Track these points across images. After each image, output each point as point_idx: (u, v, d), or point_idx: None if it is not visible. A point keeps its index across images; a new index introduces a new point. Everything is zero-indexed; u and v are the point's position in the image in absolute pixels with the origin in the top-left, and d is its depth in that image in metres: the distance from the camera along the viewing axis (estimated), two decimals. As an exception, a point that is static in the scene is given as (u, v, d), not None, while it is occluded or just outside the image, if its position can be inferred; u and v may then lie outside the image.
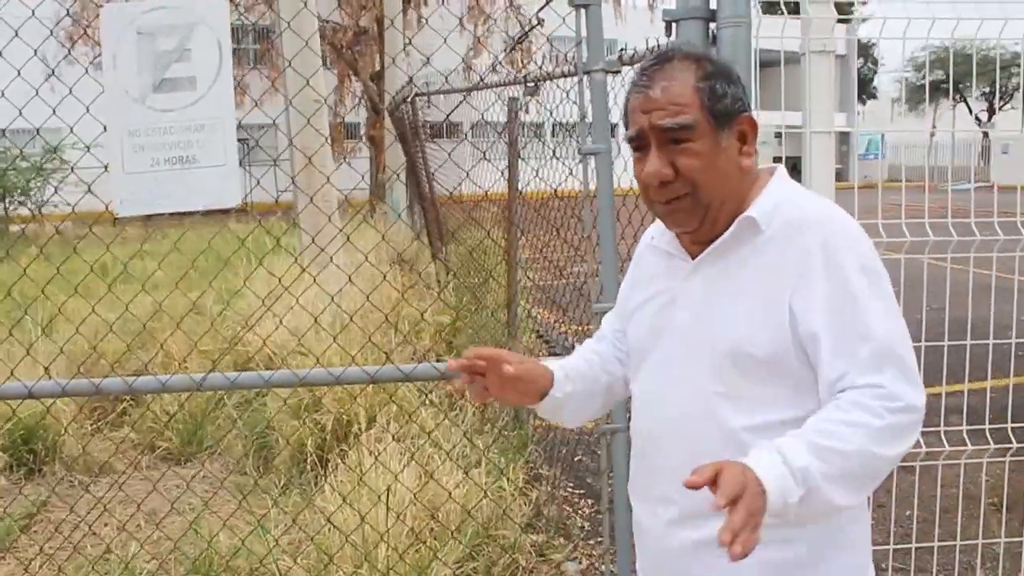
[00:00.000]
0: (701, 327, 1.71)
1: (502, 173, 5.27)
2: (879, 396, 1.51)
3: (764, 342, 1.62)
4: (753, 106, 2.29)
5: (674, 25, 2.34)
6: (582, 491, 4.70)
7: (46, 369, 3.35)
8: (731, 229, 1.68)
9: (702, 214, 1.68)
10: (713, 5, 2.30)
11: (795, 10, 2.76)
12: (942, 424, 3.05)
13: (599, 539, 3.77)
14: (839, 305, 1.58)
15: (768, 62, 2.52)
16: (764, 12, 2.88)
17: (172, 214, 2.70)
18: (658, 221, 1.87)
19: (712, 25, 2.30)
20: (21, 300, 6.36)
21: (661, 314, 1.79)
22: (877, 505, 3.74)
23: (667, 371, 1.77)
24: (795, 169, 2.83)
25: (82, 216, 3.48)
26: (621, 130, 3.22)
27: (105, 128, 2.51)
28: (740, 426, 1.64)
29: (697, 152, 1.64)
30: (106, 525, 4.26)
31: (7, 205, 21.84)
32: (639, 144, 1.68)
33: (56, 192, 19.41)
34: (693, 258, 1.75)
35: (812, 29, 2.72)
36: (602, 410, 2.08)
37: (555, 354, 6.52)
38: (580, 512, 4.45)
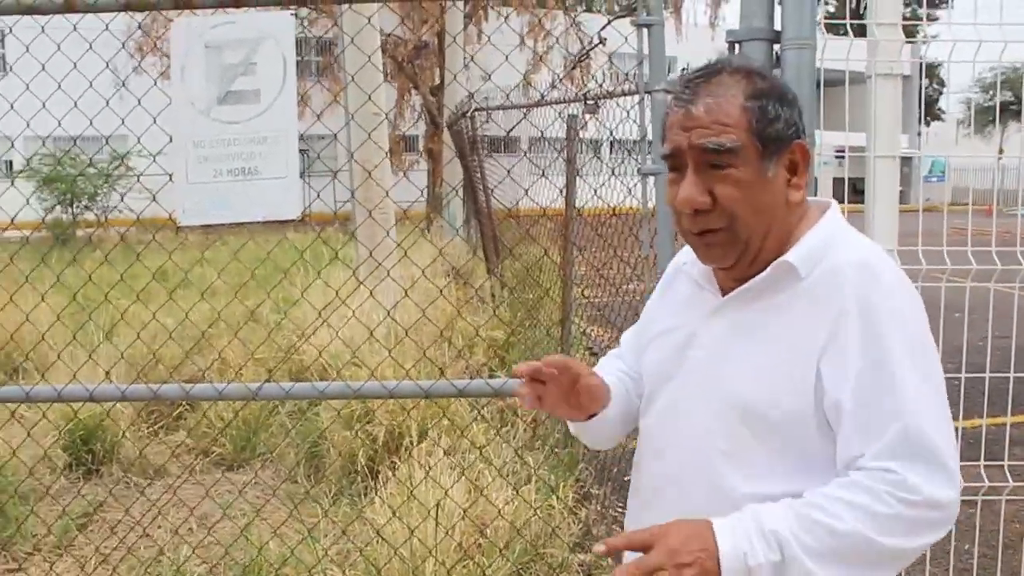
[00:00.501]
0: (715, 374, 1.54)
1: (561, 191, 5.26)
2: (889, 483, 1.34)
3: (782, 404, 1.45)
4: (817, 127, 2.27)
5: (737, 46, 2.32)
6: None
7: (107, 373, 3.42)
8: (766, 272, 1.50)
9: (739, 251, 1.50)
10: (777, 26, 2.27)
11: (861, 31, 2.71)
12: (1006, 458, 2.96)
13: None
14: (872, 380, 1.40)
15: (830, 81, 2.48)
16: (828, 32, 2.84)
17: (233, 223, 2.74)
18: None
19: (776, 47, 2.27)
20: (85, 304, 6.51)
21: (677, 350, 1.62)
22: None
23: (673, 416, 1.61)
24: (856, 190, 2.78)
25: (146, 223, 3.54)
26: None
27: (171, 139, 2.56)
28: (742, 493, 1.46)
29: (739, 180, 1.46)
30: (159, 527, 4.32)
31: (75, 210, 22.40)
32: (675, 164, 1.51)
33: (122, 199, 19.89)
34: (723, 294, 1.59)
35: (879, 52, 2.67)
36: (623, 435, 1.87)
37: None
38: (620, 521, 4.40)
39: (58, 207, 21.98)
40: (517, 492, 3.96)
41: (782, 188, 1.51)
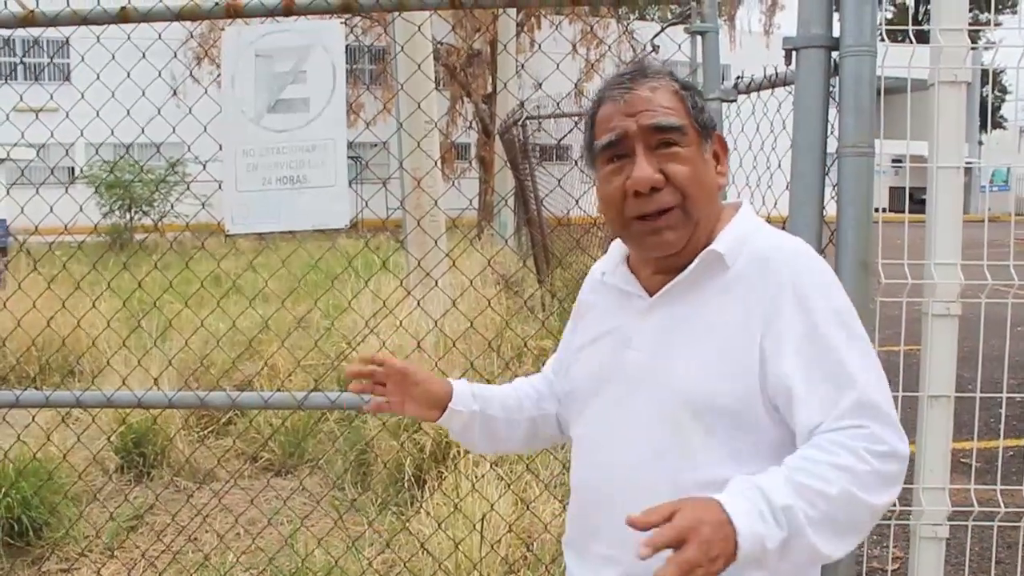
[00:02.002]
0: (656, 371, 1.55)
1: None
2: (863, 437, 1.37)
3: (729, 391, 1.47)
4: (877, 136, 2.19)
5: (794, 54, 2.25)
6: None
7: (155, 380, 3.44)
8: (694, 264, 1.54)
9: (690, 231, 1.54)
10: (836, 33, 2.20)
11: (921, 37, 2.63)
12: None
13: None
14: (814, 352, 1.43)
15: (888, 89, 2.40)
16: (887, 39, 2.76)
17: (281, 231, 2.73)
18: (609, 254, 1.73)
19: (834, 54, 2.20)
20: (140, 308, 6.60)
21: (611, 355, 1.63)
22: (996, 561, 3.51)
23: (614, 418, 1.61)
24: (913, 200, 2.69)
25: (199, 228, 3.56)
26: (733, 160, 3.11)
27: (221, 147, 2.56)
28: (693, 482, 1.47)
29: (687, 158, 1.52)
30: (206, 532, 4.34)
31: (132, 215, 22.86)
32: (618, 152, 1.54)
33: (172, 207, 20.21)
34: (651, 295, 1.61)
35: (942, 58, 2.58)
36: (525, 445, 1.92)
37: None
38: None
39: (116, 212, 22.44)
40: (564, 506, 3.90)
41: (714, 173, 1.59)
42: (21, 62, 27.33)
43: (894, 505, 2.37)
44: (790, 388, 1.43)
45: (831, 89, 2.19)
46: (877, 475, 1.36)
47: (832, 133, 2.18)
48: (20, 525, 4.29)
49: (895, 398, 2.21)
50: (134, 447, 5.31)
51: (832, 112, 2.18)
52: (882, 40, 2.24)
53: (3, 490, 4.30)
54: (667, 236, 1.52)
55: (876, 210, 2.21)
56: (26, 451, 4.18)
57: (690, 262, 1.54)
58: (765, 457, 1.45)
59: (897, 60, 2.48)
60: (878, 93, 2.22)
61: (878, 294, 2.29)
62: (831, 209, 2.19)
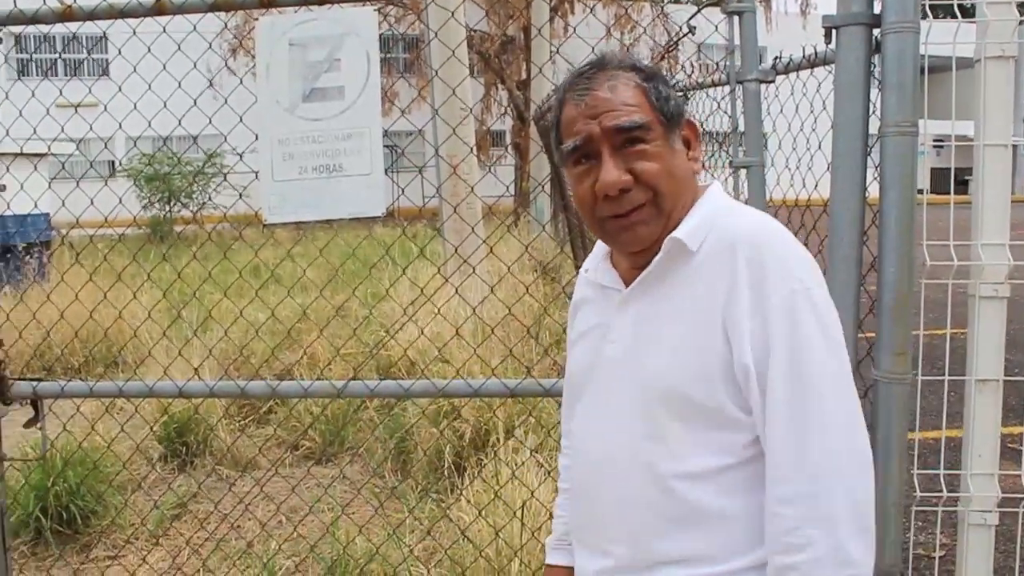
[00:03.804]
0: (630, 364, 1.55)
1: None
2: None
3: (696, 382, 1.45)
4: (921, 115, 2.14)
5: (834, 32, 2.20)
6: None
7: (196, 370, 3.47)
8: (659, 254, 1.52)
9: (663, 224, 1.52)
10: (877, 9, 2.15)
11: (967, 13, 2.56)
12: None
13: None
14: (769, 346, 1.39)
15: (931, 67, 2.34)
16: (932, 15, 2.69)
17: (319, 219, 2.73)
18: (595, 251, 1.72)
19: (876, 31, 2.15)
20: (180, 299, 6.68)
21: (595, 350, 1.64)
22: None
23: (596, 412, 1.62)
24: (961, 183, 2.63)
25: (237, 219, 3.57)
26: (772, 143, 3.06)
27: (257, 137, 2.57)
28: (671, 472, 1.47)
29: (654, 154, 1.50)
30: (249, 520, 4.39)
31: (171, 207, 23.13)
32: (584, 154, 1.52)
33: (210, 198, 20.39)
34: (627, 287, 1.60)
35: (989, 33, 2.51)
36: None
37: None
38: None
39: (155, 204, 22.73)
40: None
41: (687, 161, 1.56)
42: (60, 57, 27.71)
43: (941, 491, 2.33)
44: (747, 378, 1.41)
45: (872, 68, 2.14)
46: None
47: (874, 113, 2.13)
48: (68, 513, 4.37)
49: (941, 383, 2.18)
50: (177, 436, 5.39)
51: (874, 91, 2.13)
52: (925, 16, 2.18)
53: (51, 479, 4.38)
54: (640, 231, 1.52)
55: (919, 191, 2.16)
56: (72, 441, 4.25)
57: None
58: (743, 445, 1.45)
59: (940, 37, 2.42)
60: (921, 71, 2.16)
61: (923, 276, 2.24)
62: (873, 191, 2.14)
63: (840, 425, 1.39)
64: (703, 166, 1.58)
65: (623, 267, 1.63)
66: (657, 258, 1.52)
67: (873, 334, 2.10)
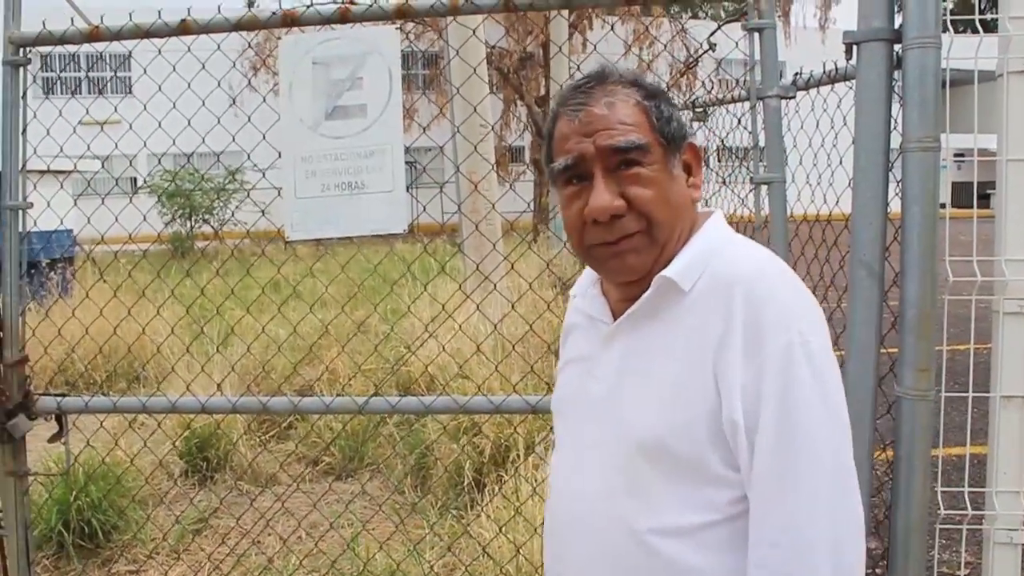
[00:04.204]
0: (612, 408, 1.43)
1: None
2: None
3: (685, 435, 1.32)
4: (943, 130, 2.13)
5: (855, 48, 2.20)
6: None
7: (218, 386, 3.49)
8: (649, 291, 1.40)
9: (655, 255, 1.40)
10: (898, 24, 2.15)
11: (989, 26, 2.55)
12: None
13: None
14: (760, 403, 1.28)
15: (953, 81, 2.33)
16: (954, 31, 2.68)
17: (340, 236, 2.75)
18: (583, 275, 1.62)
19: (897, 47, 2.15)
20: (202, 315, 6.72)
21: (577, 383, 1.54)
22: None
23: (575, 452, 1.51)
24: (983, 196, 2.61)
25: (259, 235, 3.60)
26: (793, 158, 3.05)
27: (280, 154, 2.59)
28: (647, 528, 1.35)
29: (650, 179, 1.38)
30: (269, 535, 4.40)
31: (193, 223, 23.32)
32: (576, 174, 1.40)
33: (232, 214, 20.50)
34: (616, 319, 1.48)
35: (1012, 47, 2.50)
36: None
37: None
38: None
39: (177, 221, 22.92)
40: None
41: (686, 188, 1.46)
42: (86, 76, 28.04)
43: (965, 509, 2.31)
44: (736, 432, 1.30)
45: (893, 83, 2.14)
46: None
47: (895, 128, 2.13)
48: (90, 528, 4.40)
49: (964, 399, 2.16)
50: (198, 451, 5.41)
51: (895, 106, 2.13)
52: (946, 31, 2.18)
53: (74, 494, 4.41)
54: (630, 260, 1.41)
55: (941, 206, 2.15)
56: (95, 456, 4.28)
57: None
58: (727, 501, 1.33)
59: (962, 51, 2.42)
60: (943, 85, 2.16)
61: (945, 292, 2.23)
62: (895, 206, 2.14)
63: (830, 490, 1.28)
64: (703, 194, 1.49)
65: (613, 297, 1.52)
66: (645, 296, 1.41)
67: (895, 350, 2.09)
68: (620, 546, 1.38)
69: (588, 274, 1.60)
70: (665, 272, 1.39)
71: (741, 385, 1.29)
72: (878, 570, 3.33)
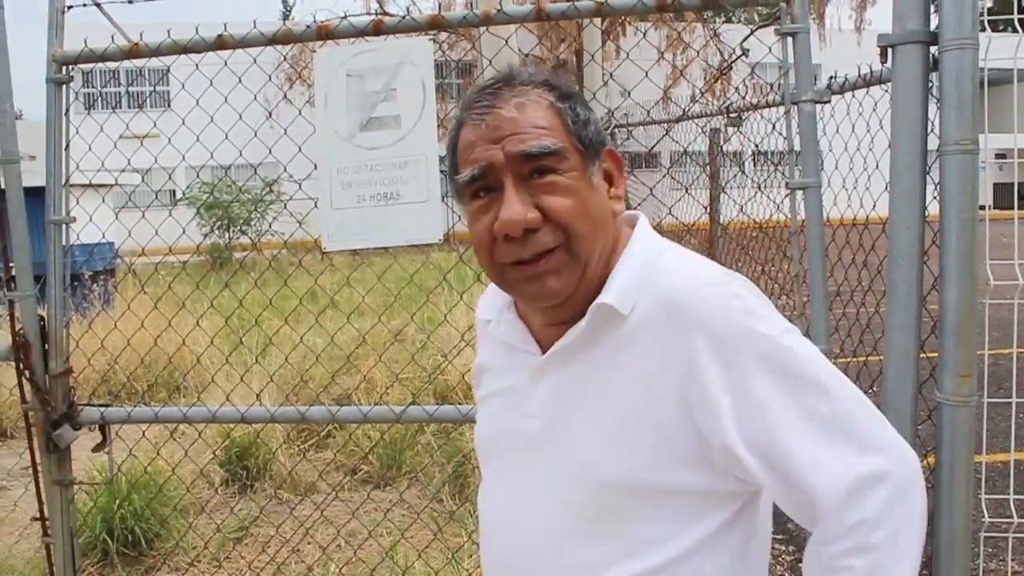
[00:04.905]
0: (555, 445, 1.30)
1: (705, 208, 5.13)
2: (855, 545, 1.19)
3: (641, 465, 1.23)
4: (981, 130, 2.11)
5: (890, 51, 2.18)
6: (783, 536, 4.46)
7: (257, 396, 3.52)
8: (584, 320, 1.27)
9: (578, 275, 1.26)
10: (934, 26, 2.13)
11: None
12: None
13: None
14: (765, 412, 1.19)
15: (991, 81, 2.30)
16: (992, 30, 2.65)
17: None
18: (492, 294, 1.47)
19: (933, 49, 2.13)
20: (241, 326, 6.80)
21: (502, 419, 1.39)
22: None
23: (509, 496, 1.36)
24: (1021, 196, 2.57)
25: (296, 246, 3.63)
26: (829, 162, 3.03)
27: (316, 166, 2.62)
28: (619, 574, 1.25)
29: (568, 187, 1.24)
30: (309, 544, 4.43)
31: (231, 234, 23.57)
32: (484, 186, 1.26)
33: (269, 225, 20.69)
34: (544, 349, 1.34)
35: (1052, 48, 2.47)
36: None
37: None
38: (781, 560, 4.23)
39: (215, 232, 23.19)
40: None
41: (607, 199, 1.32)
42: (126, 91, 28.48)
43: (1011, 516, 2.27)
44: (736, 455, 1.21)
45: (930, 85, 2.12)
46: (906, 536, 1.21)
47: (932, 131, 2.11)
48: (134, 536, 4.46)
49: (1008, 405, 2.13)
50: (238, 460, 5.46)
51: (932, 107, 2.11)
52: (984, 30, 2.15)
53: (118, 502, 4.47)
54: (550, 283, 1.25)
55: (980, 208, 2.12)
56: (138, 465, 4.34)
57: (582, 309, 1.28)
58: (692, 523, 1.26)
59: (1002, 51, 2.39)
60: (981, 86, 2.13)
61: (986, 295, 2.20)
62: (933, 209, 2.12)
63: (879, 432, 1.23)
64: (628, 203, 1.34)
65: (536, 323, 1.37)
66: (581, 326, 1.28)
67: (936, 355, 2.07)
68: None
69: (496, 292, 1.45)
70: (602, 299, 1.26)
71: (730, 404, 1.20)
72: (921, 578, 3.30)
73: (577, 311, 1.29)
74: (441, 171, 2.71)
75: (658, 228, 8.32)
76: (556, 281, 1.25)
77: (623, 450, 1.24)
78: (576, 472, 1.27)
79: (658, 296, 1.25)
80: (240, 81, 2.78)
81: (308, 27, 2.56)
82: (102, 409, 2.82)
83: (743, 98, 3.39)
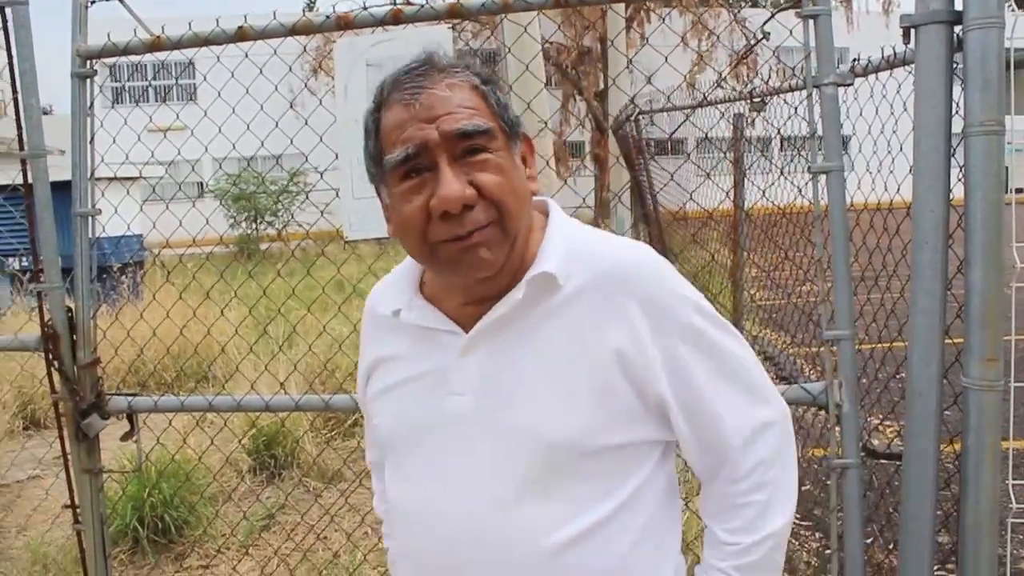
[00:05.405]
0: (493, 417, 1.32)
1: (727, 194, 5.10)
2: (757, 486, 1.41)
3: (596, 421, 1.29)
4: (1007, 112, 2.08)
5: (913, 31, 2.15)
6: (809, 523, 4.45)
7: (282, 384, 3.55)
8: (523, 290, 1.31)
9: (507, 249, 1.30)
10: (959, 6, 2.10)
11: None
12: None
13: (828, 579, 3.54)
14: (689, 364, 1.34)
15: (1017, 62, 2.27)
16: (1018, 6, 2.61)
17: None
18: (393, 285, 1.48)
19: (957, 29, 2.10)
20: (267, 315, 6.85)
21: (424, 403, 1.38)
22: None
23: (442, 478, 1.36)
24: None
25: (320, 236, 3.65)
26: (854, 145, 2.99)
27: (336, 155, 2.63)
28: (564, 538, 1.29)
29: (498, 165, 1.28)
30: (335, 531, 4.46)
31: (258, 226, 23.74)
32: (415, 166, 1.26)
33: (292, 216, 20.83)
34: (464, 329, 1.36)
35: (1081, 27, 2.43)
36: None
37: (784, 378, 6.25)
38: (807, 546, 4.21)
39: (242, 224, 23.37)
40: (688, 505, 3.85)
41: (526, 179, 1.36)
42: (150, 85, 28.69)
43: (1037, 502, 2.25)
44: (672, 406, 1.35)
45: (955, 65, 2.09)
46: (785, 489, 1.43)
47: (957, 112, 2.08)
48: (163, 523, 4.51)
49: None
50: (265, 449, 5.51)
51: (956, 89, 2.08)
52: (1012, 9, 2.12)
53: (147, 490, 4.53)
54: (482, 255, 1.27)
55: (1006, 191, 2.10)
56: (166, 454, 4.39)
57: (507, 285, 1.34)
58: (634, 468, 1.36)
59: (1025, 31, 2.35)
60: (1007, 66, 2.10)
61: (1012, 279, 2.17)
62: (958, 192, 2.09)
63: (769, 388, 1.44)
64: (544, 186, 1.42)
65: (450, 303, 1.40)
66: (516, 297, 1.32)
67: (961, 340, 2.05)
68: (532, 571, 1.30)
69: (399, 284, 1.48)
70: (541, 268, 1.32)
71: (660, 358, 1.32)
72: (948, 566, 3.27)
73: (502, 287, 1.34)
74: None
75: (683, 215, 8.29)
76: (488, 254, 1.28)
77: (567, 410, 1.30)
78: (520, 438, 1.31)
79: (593, 266, 1.34)
80: (261, 72, 2.79)
81: (327, 17, 2.56)
82: (130, 398, 2.85)
83: (766, 82, 3.36)
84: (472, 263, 1.28)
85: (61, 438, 2.88)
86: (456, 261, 1.29)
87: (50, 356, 2.76)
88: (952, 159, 2.09)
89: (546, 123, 5.61)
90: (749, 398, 1.40)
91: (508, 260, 1.32)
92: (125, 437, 2.90)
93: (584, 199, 3.20)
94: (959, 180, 2.07)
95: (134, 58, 2.84)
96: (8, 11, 2.68)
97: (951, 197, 2.09)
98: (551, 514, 1.30)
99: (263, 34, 2.59)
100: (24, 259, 10.77)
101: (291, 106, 3.10)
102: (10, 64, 2.67)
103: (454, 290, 1.39)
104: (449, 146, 1.26)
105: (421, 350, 1.41)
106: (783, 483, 1.42)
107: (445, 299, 1.41)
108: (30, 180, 2.73)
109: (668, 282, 1.36)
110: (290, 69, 3.01)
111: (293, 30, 2.58)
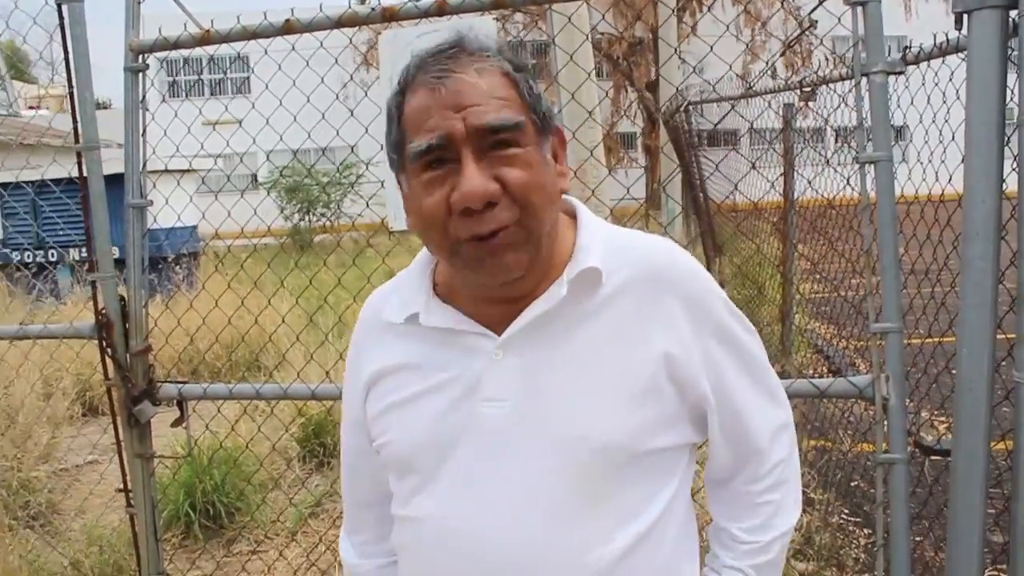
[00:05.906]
0: (539, 424, 1.23)
1: (772, 185, 5.03)
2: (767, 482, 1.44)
3: (644, 423, 1.24)
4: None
5: (966, 17, 2.10)
6: (858, 519, 4.39)
7: (327, 373, 3.59)
8: (565, 286, 1.24)
9: (533, 252, 1.21)
10: (1014, -10, 2.04)
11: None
12: None
13: (876, 574, 3.49)
14: (720, 360, 1.35)
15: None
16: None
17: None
18: (404, 288, 1.38)
19: (1012, 13, 2.05)
20: (317, 305, 6.93)
21: (451, 413, 1.27)
22: None
23: (480, 492, 1.25)
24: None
25: (369, 227, 3.68)
26: (908, 135, 2.92)
27: (382, 147, 2.64)
28: (623, 548, 1.24)
29: (527, 162, 1.19)
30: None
31: (311, 217, 24.00)
32: (439, 157, 1.18)
33: (339, 207, 20.96)
34: (492, 330, 1.27)
35: None
36: None
37: (833, 371, 6.17)
38: (855, 542, 4.16)
39: (296, 215, 23.64)
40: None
41: (556, 176, 1.27)
42: (199, 78, 29.10)
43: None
44: (711, 402, 1.34)
45: (1009, 52, 2.04)
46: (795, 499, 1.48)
47: (1012, 101, 2.03)
48: (214, 509, 4.60)
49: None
50: (314, 437, 5.58)
51: (1011, 77, 2.03)
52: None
53: (198, 476, 4.62)
54: (507, 258, 1.19)
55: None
56: (216, 441, 4.47)
57: (535, 285, 1.26)
58: (677, 467, 1.34)
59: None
60: (1065, 53, 2.05)
61: (1068, 273, 2.12)
62: (1011, 183, 2.05)
63: (782, 389, 1.47)
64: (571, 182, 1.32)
65: (472, 305, 1.30)
66: (561, 293, 1.24)
67: (1013, 335, 2.00)
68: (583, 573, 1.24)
69: (411, 286, 1.37)
70: (587, 263, 1.26)
71: (699, 356, 1.31)
72: (1001, 565, 3.20)
73: (533, 287, 1.26)
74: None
75: (732, 207, 8.21)
76: (513, 257, 1.19)
77: (616, 412, 1.25)
78: (569, 443, 1.23)
79: (631, 264, 1.30)
80: (308, 64, 2.81)
81: (373, 9, 2.58)
82: (179, 386, 2.91)
83: (815, 72, 3.31)
84: (497, 266, 1.20)
85: (115, 424, 2.95)
86: (479, 262, 1.20)
87: (103, 343, 2.83)
88: (1005, 149, 2.05)
89: (590, 113, 5.58)
90: (769, 399, 1.43)
91: (535, 261, 1.23)
92: (175, 424, 2.96)
93: (628, 189, 3.18)
94: (1012, 170, 2.03)
95: (187, 52, 2.89)
96: (64, 8, 2.74)
97: (1003, 188, 2.05)
98: (596, 528, 1.24)
99: (309, 27, 2.62)
100: (82, 250, 11.02)
101: (336, 97, 3.12)
102: (66, 60, 2.73)
103: (476, 290, 1.29)
104: (475, 140, 1.17)
105: (440, 356, 1.30)
106: (795, 483, 1.47)
107: (463, 300, 1.32)
108: (85, 173, 2.79)
109: (703, 280, 1.35)
110: (336, 61, 3.03)
111: (339, 22, 2.60)
